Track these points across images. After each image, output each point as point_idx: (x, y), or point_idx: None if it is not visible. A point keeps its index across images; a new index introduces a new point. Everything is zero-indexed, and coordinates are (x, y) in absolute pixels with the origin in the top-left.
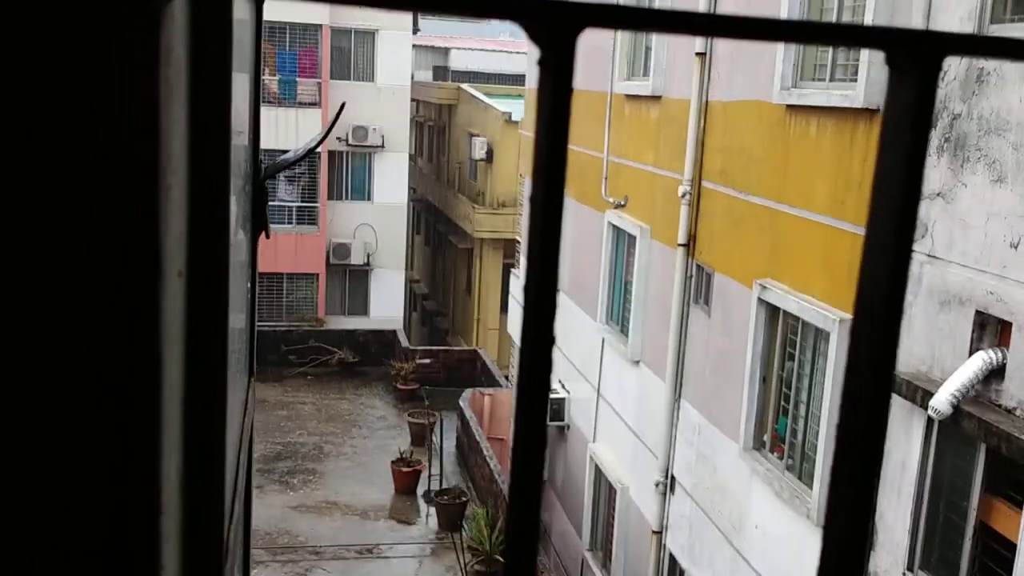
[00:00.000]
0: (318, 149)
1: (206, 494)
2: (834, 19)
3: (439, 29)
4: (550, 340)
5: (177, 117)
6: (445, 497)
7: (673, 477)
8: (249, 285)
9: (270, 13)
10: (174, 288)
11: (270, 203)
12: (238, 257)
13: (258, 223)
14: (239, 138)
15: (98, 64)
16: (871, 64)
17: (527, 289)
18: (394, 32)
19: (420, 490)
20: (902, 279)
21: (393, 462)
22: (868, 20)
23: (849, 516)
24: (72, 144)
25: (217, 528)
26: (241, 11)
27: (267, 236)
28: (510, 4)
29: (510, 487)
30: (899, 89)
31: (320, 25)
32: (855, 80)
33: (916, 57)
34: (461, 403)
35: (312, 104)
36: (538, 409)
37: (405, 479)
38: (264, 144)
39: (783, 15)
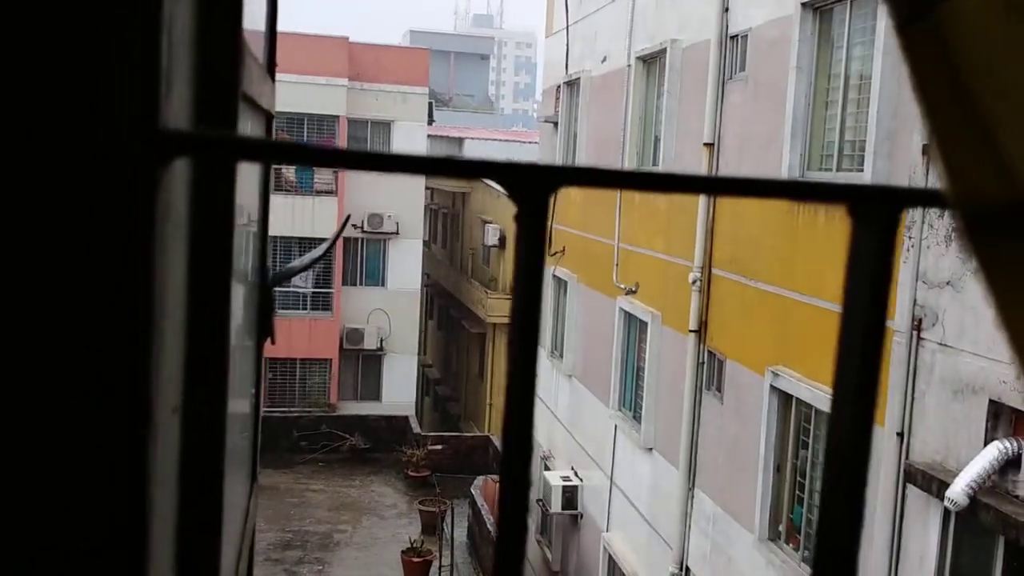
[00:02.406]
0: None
1: None
2: (839, 112)
3: (453, 120)
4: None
5: (175, 261)
6: None
7: (688, 568)
8: (253, 391)
9: (289, 104)
10: (169, 425)
11: (285, 288)
12: (243, 367)
13: (264, 330)
14: (247, 246)
15: (94, 223)
16: (876, 154)
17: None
18: (409, 123)
19: None
20: (864, 449)
21: (403, 552)
22: (872, 112)
23: None
24: (64, 300)
25: None
26: (254, 127)
27: (272, 342)
28: (492, 167)
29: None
30: (861, 238)
31: (337, 116)
32: (861, 170)
33: (877, 210)
34: (473, 491)
35: (328, 192)
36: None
37: (416, 570)
38: (280, 231)
39: (788, 112)
